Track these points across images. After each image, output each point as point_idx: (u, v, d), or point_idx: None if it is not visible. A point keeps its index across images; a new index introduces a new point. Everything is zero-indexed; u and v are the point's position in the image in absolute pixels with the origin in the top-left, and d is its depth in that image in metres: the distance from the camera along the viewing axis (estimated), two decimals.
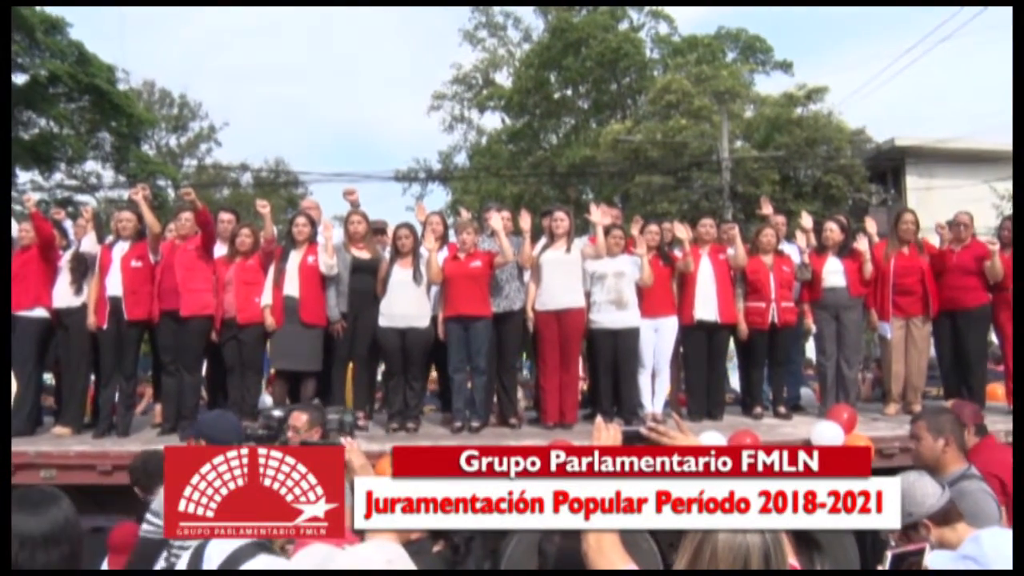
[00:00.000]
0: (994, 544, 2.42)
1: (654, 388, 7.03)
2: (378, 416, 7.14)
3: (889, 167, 22.59)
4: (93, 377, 6.88)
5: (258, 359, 6.83)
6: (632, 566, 2.00)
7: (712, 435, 5.91)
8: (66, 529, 2.17)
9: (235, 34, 62.80)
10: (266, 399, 7.44)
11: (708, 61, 25.10)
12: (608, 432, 2.25)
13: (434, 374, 7.58)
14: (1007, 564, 2.33)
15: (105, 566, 4.44)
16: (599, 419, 2.38)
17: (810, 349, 8.29)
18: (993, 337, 7.53)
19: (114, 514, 5.38)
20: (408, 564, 1.77)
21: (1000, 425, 6.01)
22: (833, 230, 7.21)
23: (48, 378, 7.66)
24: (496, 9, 31.01)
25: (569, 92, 28.06)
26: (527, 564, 5.60)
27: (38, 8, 20.09)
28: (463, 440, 6.20)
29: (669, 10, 28.69)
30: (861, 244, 7.14)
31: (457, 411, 6.65)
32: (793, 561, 2.18)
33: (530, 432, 6.58)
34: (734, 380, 8.45)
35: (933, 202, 17.66)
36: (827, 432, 6.00)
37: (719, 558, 1.79)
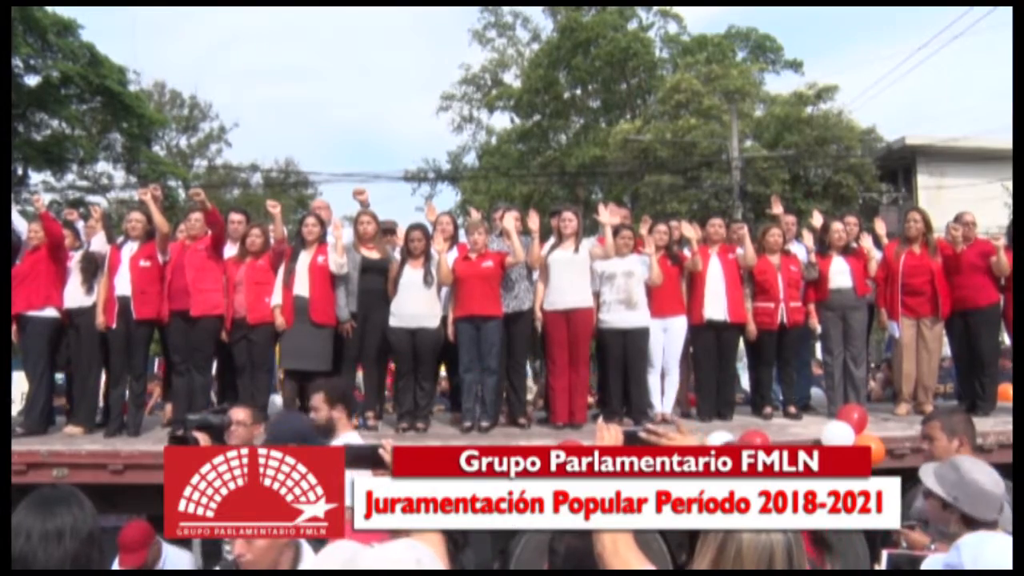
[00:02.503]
0: (973, 553, 2.40)
1: (664, 388, 7.02)
2: (387, 416, 7.16)
3: (900, 166, 22.46)
4: (104, 376, 6.92)
5: (268, 359, 6.86)
6: (649, 566, 1.99)
7: (722, 435, 5.90)
8: (75, 528, 2.20)
9: (245, 35, 63.03)
10: (276, 399, 7.46)
11: (718, 60, 25.01)
12: (610, 433, 2.27)
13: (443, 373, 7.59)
14: (990, 568, 2.31)
15: (116, 565, 4.46)
16: (600, 420, 2.40)
17: (819, 350, 8.26)
18: (1006, 337, 7.47)
19: (125, 513, 5.42)
20: (438, 565, 1.76)
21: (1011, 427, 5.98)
22: (838, 230, 7.18)
23: (60, 378, 7.70)
24: (505, 9, 31.01)
25: (578, 92, 28.03)
26: (536, 564, 5.61)
27: (50, 10, 20.22)
28: (472, 440, 6.20)
29: (678, 9, 28.66)
30: (865, 242, 7.12)
31: (467, 411, 6.66)
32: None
33: (540, 432, 6.58)
34: (744, 380, 8.42)
35: (944, 201, 17.55)
36: (838, 432, 5.98)
37: (744, 557, 1.77)
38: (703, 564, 1.84)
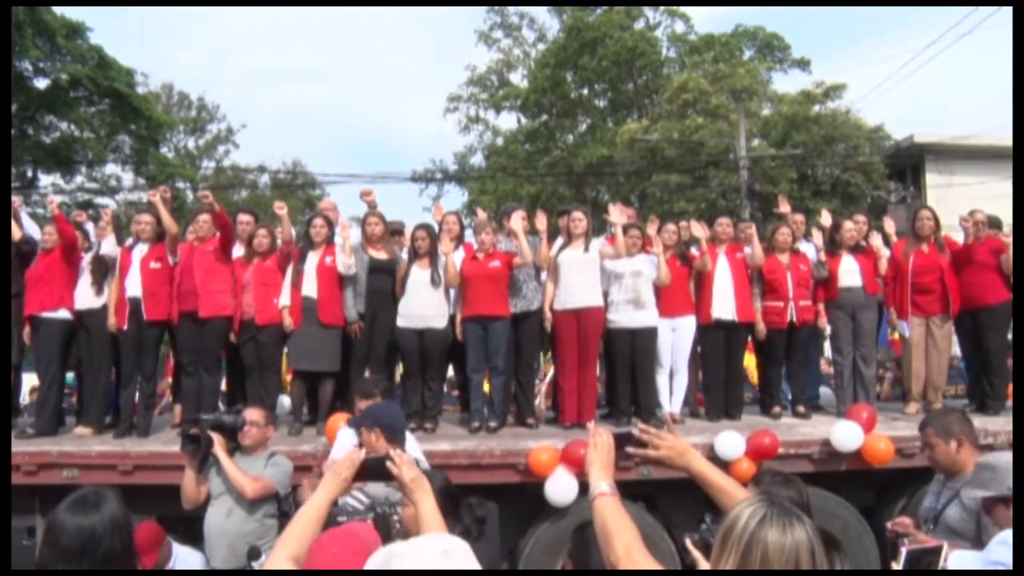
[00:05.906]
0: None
1: (672, 388, 7.01)
2: None
3: (908, 164, 22.39)
4: (114, 378, 6.93)
5: (276, 360, 6.86)
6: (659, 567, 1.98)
7: (730, 435, 5.90)
8: (113, 528, 2.28)
9: (252, 36, 63.21)
10: (284, 400, 7.47)
11: (725, 59, 25.02)
12: (602, 437, 2.27)
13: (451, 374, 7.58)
14: None
15: None
16: (591, 424, 2.40)
17: (828, 349, 8.23)
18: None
19: (135, 514, 5.43)
20: (466, 553, 1.72)
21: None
22: (850, 229, 7.16)
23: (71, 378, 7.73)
24: (511, 9, 31.03)
25: (585, 91, 28.04)
26: (546, 563, 5.61)
27: (59, 13, 20.32)
28: (481, 440, 6.20)
29: (685, 8, 28.66)
30: (875, 241, 7.10)
31: (475, 411, 6.66)
32: None
33: (548, 432, 6.56)
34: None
35: (953, 199, 17.46)
36: (846, 432, 5.96)
37: (771, 559, 1.72)
38: (726, 565, 1.78)
